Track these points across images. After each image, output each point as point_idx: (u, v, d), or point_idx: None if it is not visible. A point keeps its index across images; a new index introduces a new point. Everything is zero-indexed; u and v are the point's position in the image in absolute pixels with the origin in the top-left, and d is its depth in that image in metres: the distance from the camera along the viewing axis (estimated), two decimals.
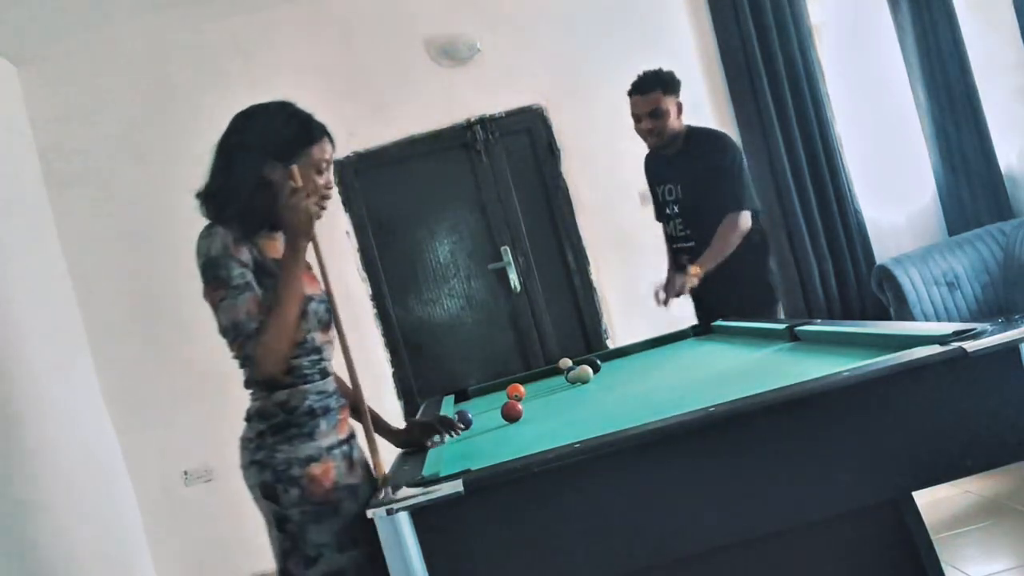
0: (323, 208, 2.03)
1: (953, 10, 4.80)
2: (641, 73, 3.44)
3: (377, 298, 4.84)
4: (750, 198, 3.34)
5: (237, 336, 1.87)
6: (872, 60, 5.08)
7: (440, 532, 1.36)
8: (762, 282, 3.40)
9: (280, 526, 1.88)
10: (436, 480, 1.43)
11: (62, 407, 4.06)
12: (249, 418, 1.96)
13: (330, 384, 2.02)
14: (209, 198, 1.99)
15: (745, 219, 3.27)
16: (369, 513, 1.37)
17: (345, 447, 1.99)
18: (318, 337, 1.99)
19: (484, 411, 2.54)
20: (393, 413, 4.81)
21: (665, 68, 3.43)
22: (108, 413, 4.49)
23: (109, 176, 4.63)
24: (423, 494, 1.37)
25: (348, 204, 4.83)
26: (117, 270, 4.59)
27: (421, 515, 1.35)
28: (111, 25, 4.46)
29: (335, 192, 4.80)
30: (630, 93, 3.43)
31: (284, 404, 1.92)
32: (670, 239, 3.59)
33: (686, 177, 3.43)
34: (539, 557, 1.38)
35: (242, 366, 1.93)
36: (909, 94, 5.03)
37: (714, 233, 3.26)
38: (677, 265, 3.51)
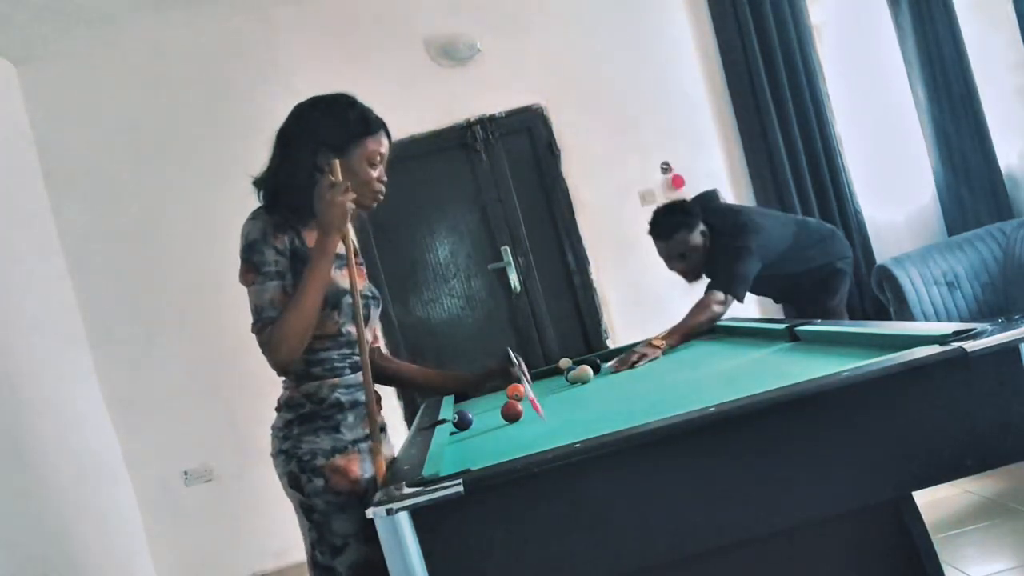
0: (377, 202, 2.04)
1: (953, 10, 4.80)
2: (658, 213, 3.32)
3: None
4: (739, 284, 3.13)
5: (256, 321, 1.88)
6: (872, 60, 5.08)
7: (440, 532, 1.35)
8: (822, 307, 3.40)
9: (307, 515, 1.91)
10: (436, 480, 1.43)
11: (62, 407, 4.06)
12: (279, 407, 1.98)
13: (360, 378, 2.03)
14: (264, 185, 2.02)
15: (721, 303, 3.07)
16: (369, 513, 1.37)
17: (367, 440, 2.01)
18: (355, 332, 1.97)
19: (484, 411, 2.54)
20: (393, 413, 4.81)
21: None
22: (108, 413, 4.50)
23: (109, 176, 4.63)
24: (423, 494, 1.37)
25: None
26: (117, 270, 4.59)
27: (421, 515, 1.35)
28: (111, 25, 4.46)
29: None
30: (652, 237, 3.32)
31: (312, 395, 1.94)
32: None
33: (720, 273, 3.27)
34: (539, 557, 1.38)
35: (262, 353, 1.91)
36: (909, 94, 5.04)
37: (782, 286, 3.35)
38: None
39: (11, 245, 4.00)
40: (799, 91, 4.85)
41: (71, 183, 4.53)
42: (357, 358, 2.01)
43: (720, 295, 3.09)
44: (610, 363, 2.93)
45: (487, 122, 4.87)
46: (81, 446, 4.14)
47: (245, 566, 4.48)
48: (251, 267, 1.91)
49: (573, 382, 2.72)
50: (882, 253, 4.86)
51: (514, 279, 4.89)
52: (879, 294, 4.62)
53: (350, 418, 1.98)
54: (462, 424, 2.30)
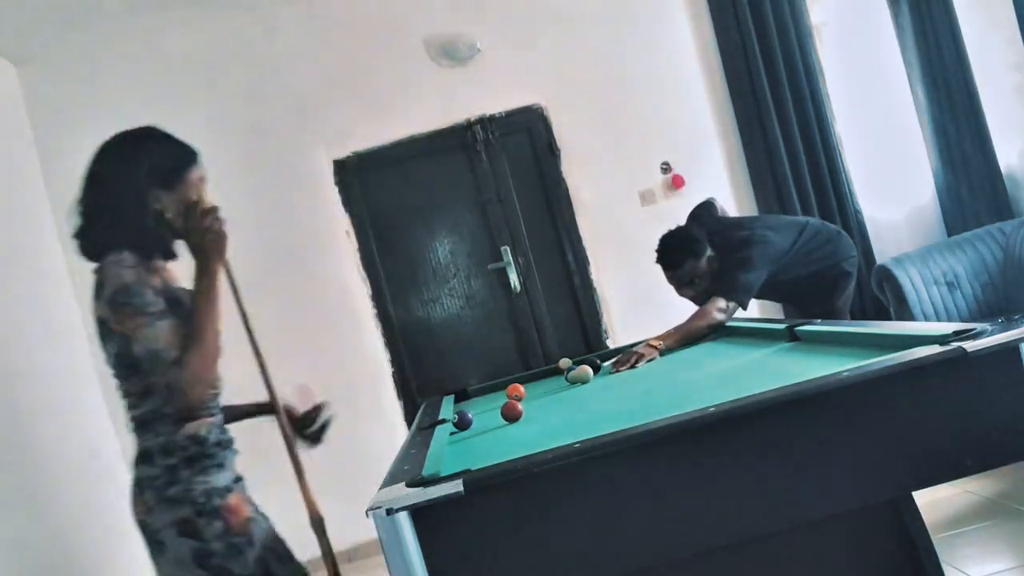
0: (220, 225, 1.99)
1: (953, 10, 4.80)
2: (665, 242, 3.31)
3: (377, 298, 4.84)
4: (743, 292, 3.14)
5: (156, 365, 1.79)
6: (872, 60, 5.08)
7: (440, 532, 1.36)
8: (827, 308, 3.39)
9: (202, 563, 1.81)
10: (436, 480, 1.43)
11: (63, 407, 4.06)
12: (148, 457, 1.88)
13: (222, 417, 2.00)
14: (92, 233, 1.94)
15: (722, 310, 3.09)
16: (369, 513, 1.37)
17: (241, 480, 1.99)
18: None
19: (484, 411, 2.54)
20: (393, 413, 4.81)
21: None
22: (108, 413, 4.49)
23: None
24: (423, 494, 1.37)
25: (348, 204, 4.83)
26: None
27: (421, 515, 1.35)
28: (111, 25, 4.46)
29: (335, 192, 4.81)
30: (661, 266, 3.32)
31: (194, 436, 1.87)
32: None
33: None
34: (539, 557, 1.38)
35: (164, 397, 1.82)
36: (909, 94, 5.03)
37: (792, 292, 3.37)
38: None
39: (11, 245, 4.00)
40: (799, 91, 4.85)
41: (71, 183, 4.52)
42: (220, 396, 2.00)
43: (722, 303, 3.09)
44: (608, 363, 2.95)
45: (487, 122, 4.87)
46: (81, 446, 4.13)
47: None
48: (133, 310, 1.81)
49: (573, 382, 2.72)
50: (882, 253, 4.86)
51: (514, 279, 4.89)
52: (879, 294, 4.62)
53: (229, 456, 1.94)
54: (462, 424, 2.30)
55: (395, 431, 4.68)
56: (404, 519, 1.34)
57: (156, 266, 1.94)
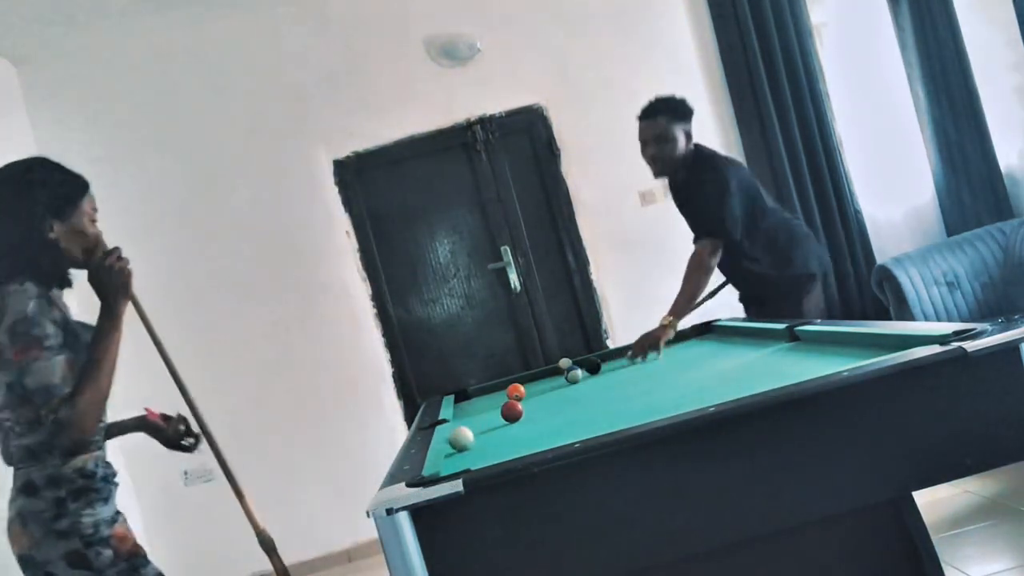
0: (106, 257, 1.95)
1: (953, 10, 4.80)
2: (652, 99, 3.30)
3: (377, 298, 4.84)
4: (721, 226, 3.09)
5: (47, 399, 1.77)
6: (872, 60, 5.08)
7: (440, 532, 1.36)
8: (795, 310, 3.22)
9: None
10: (436, 480, 1.43)
11: None
12: (34, 489, 1.84)
13: (106, 452, 2.01)
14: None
15: (708, 251, 3.06)
16: (369, 513, 1.37)
17: (121, 515, 1.99)
18: None
19: (484, 411, 2.54)
20: (393, 413, 4.82)
21: (677, 92, 3.30)
22: (109, 413, 4.49)
23: (109, 176, 4.62)
24: (423, 494, 1.37)
25: (348, 204, 4.83)
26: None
27: (421, 515, 1.35)
28: (111, 25, 4.46)
29: (335, 192, 4.82)
30: (638, 118, 3.30)
31: (81, 470, 1.87)
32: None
33: (684, 204, 3.35)
34: (539, 557, 1.38)
35: (50, 432, 1.78)
36: (909, 94, 5.03)
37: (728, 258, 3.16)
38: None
39: None
40: (799, 91, 4.85)
41: None
42: (103, 432, 2.00)
43: (706, 243, 3.06)
44: (627, 356, 2.95)
45: (487, 122, 4.87)
46: None
47: (245, 566, 4.47)
48: (32, 341, 1.79)
49: (573, 382, 2.72)
50: (882, 253, 4.86)
51: (514, 279, 4.89)
52: (879, 294, 4.62)
53: (113, 490, 1.95)
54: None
55: (395, 431, 4.68)
56: (404, 519, 1.34)
57: (55, 297, 1.93)
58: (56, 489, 1.84)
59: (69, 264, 1.96)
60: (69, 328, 1.89)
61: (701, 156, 3.27)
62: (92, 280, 1.91)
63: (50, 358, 1.79)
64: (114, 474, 1.97)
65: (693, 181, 3.23)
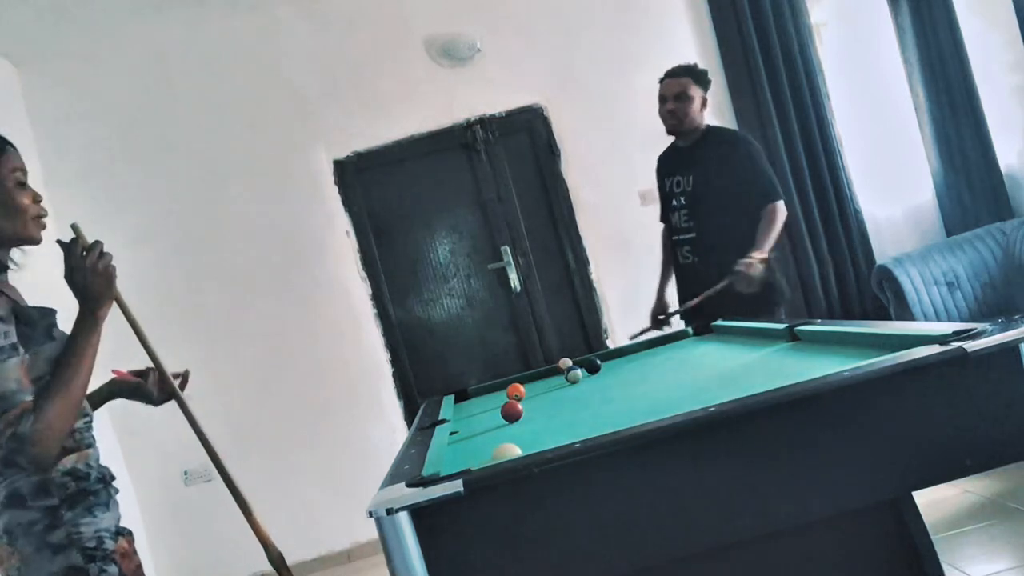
0: (43, 227, 1.73)
1: (953, 10, 4.80)
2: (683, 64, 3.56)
3: (377, 298, 4.84)
4: (776, 188, 3.43)
5: (5, 410, 1.51)
6: (872, 60, 5.08)
7: (440, 532, 1.35)
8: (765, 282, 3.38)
9: None
10: (436, 480, 1.43)
11: None
12: (20, 500, 1.59)
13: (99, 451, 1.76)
14: None
15: (781, 210, 3.37)
16: (369, 513, 1.37)
17: (129, 532, 1.77)
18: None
19: (484, 411, 2.54)
20: (393, 413, 4.82)
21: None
22: (108, 413, 4.49)
23: (109, 176, 4.63)
24: (423, 494, 1.37)
25: (348, 204, 4.83)
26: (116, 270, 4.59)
27: (421, 515, 1.35)
28: (111, 25, 4.46)
29: (335, 192, 4.82)
30: (661, 79, 3.51)
31: (73, 472, 1.64)
32: (672, 231, 3.60)
33: (698, 168, 3.48)
34: (539, 557, 1.38)
35: (8, 448, 1.53)
36: (909, 94, 5.03)
37: (716, 225, 3.38)
38: (677, 259, 3.56)
39: None
40: (799, 91, 4.85)
41: (71, 183, 4.53)
42: (92, 427, 1.76)
43: (779, 203, 3.36)
44: (719, 285, 3.18)
45: (487, 122, 4.87)
46: None
47: (245, 566, 4.48)
48: None
49: (573, 382, 2.72)
50: (882, 253, 4.86)
51: (514, 279, 4.89)
52: (879, 294, 4.62)
53: (113, 494, 1.72)
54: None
55: (395, 431, 4.68)
56: (404, 519, 1.34)
57: (1, 283, 1.67)
58: (47, 497, 1.60)
59: (5, 243, 1.70)
60: (22, 318, 1.63)
61: (722, 131, 3.60)
62: (70, 282, 1.67)
63: (3, 361, 1.53)
64: (112, 476, 1.75)
65: (727, 154, 3.44)
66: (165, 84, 4.73)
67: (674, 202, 3.55)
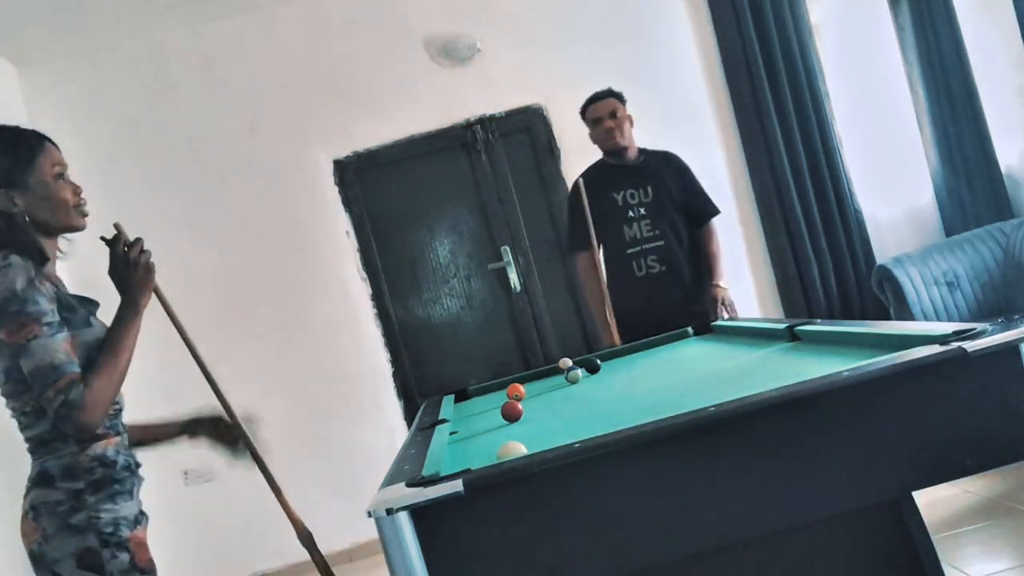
0: (84, 215, 1.89)
1: (953, 10, 4.80)
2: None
3: (377, 298, 4.84)
4: (713, 205, 3.72)
5: (56, 379, 1.64)
6: (872, 60, 5.08)
7: (440, 532, 1.35)
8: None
9: None
10: (436, 480, 1.43)
11: None
12: (49, 480, 1.72)
13: (127, 438, 1.87)
14: None
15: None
16: (369, 513, 1.37)
17: (146, 517, 1.84)
18: None
19: (484, 411, 2.54)
20: (393, 413, 4.82)
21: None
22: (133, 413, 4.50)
23: (109, 176, 4.63)
24: (423, 494, 1.37)
25: (348, 204, 4.83)
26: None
27: (421, 515, 1.35)
28: (111, 25, 4.46)
29: (335, 192, 4.82)
30: (584, 107, 3.67)
31: (101, 458, 1.74)
32: (628, 244, 3.60)
33: (655, 180, 3.60)
34: (539, 557, 1.38)
35: (56, 415, 1.65)
36: (909, 94, 5.03)
37: (677, 234, 3.60)
38: (634, 273, 3.59)
39: None
40: (799, 91, 4.85)
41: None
42: (121, 415, 1.89)
43: (712, 222, 3.68)
44: (724, 317, 3.42)
45: (487, 122, 4.87)
46: None
47: (245, 566, 4.48)
48: (28, 319, 1.65)
49: (573, 382, 2.72)
50: (882, 253, 4.86)
51: (514, 279, 4.89)
52: (879, 294, 4.62)
53: (136, 483, 1.81)
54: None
55: (395, 431, 4.68)
56: (404, 519, 1.34)
57: (47, 270, 1.79)
58: (74, 480, 1.71)
59: (47, 233, 1.83)
60: (64, 304, 1.75)
61: (656, 150, 3.74)
62: (113, 275, 1.82)
63: (52, 335, 1.66)
64: (138, 464, 1.84)
65: (678, 168, 3.70)
66: (165, 84, 4.73)
67: (631, 213, 3.58)
